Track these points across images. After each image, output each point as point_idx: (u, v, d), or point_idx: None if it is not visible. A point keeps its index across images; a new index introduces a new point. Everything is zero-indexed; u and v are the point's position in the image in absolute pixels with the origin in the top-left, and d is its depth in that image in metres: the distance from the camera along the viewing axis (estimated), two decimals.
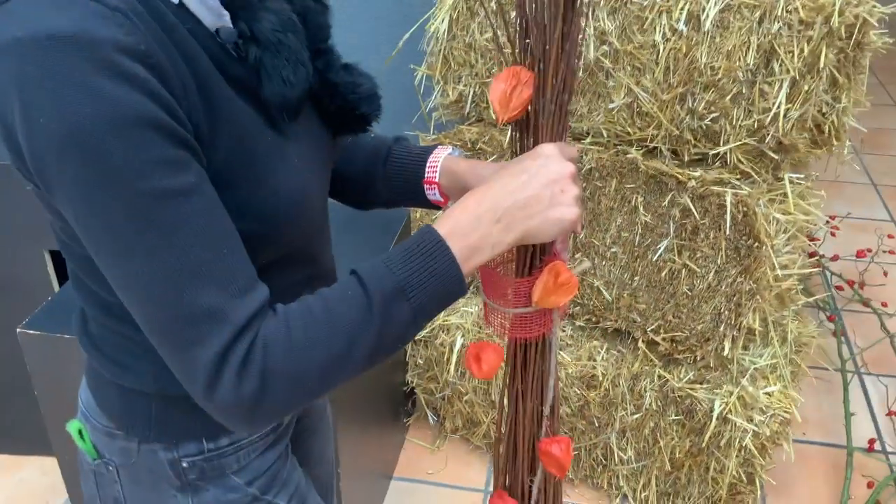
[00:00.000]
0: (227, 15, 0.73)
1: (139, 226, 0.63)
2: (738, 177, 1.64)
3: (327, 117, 0.87)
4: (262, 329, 0.68)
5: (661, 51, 1.59)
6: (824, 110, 1.59)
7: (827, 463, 2.16)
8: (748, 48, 1.52)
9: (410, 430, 2.28)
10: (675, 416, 1.82)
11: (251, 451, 0.92)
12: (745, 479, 1.80)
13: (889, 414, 2.28)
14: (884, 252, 2.87)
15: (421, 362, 2.11)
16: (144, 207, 0.63)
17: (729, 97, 1.55)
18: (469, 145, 1.87)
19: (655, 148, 1.70)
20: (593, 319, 1.90)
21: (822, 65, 1.49)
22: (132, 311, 0.69)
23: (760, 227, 1.57)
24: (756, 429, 1.73)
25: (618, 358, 1.88)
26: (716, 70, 1.54)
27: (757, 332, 1.74)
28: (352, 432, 1.77)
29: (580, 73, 1.70)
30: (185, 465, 0.89)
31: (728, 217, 1.59)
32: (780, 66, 1.50)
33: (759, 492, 1.83)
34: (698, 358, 1.77)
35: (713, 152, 1.63)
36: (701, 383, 1.79)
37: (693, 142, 1.64)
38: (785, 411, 1.77)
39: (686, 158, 1.68)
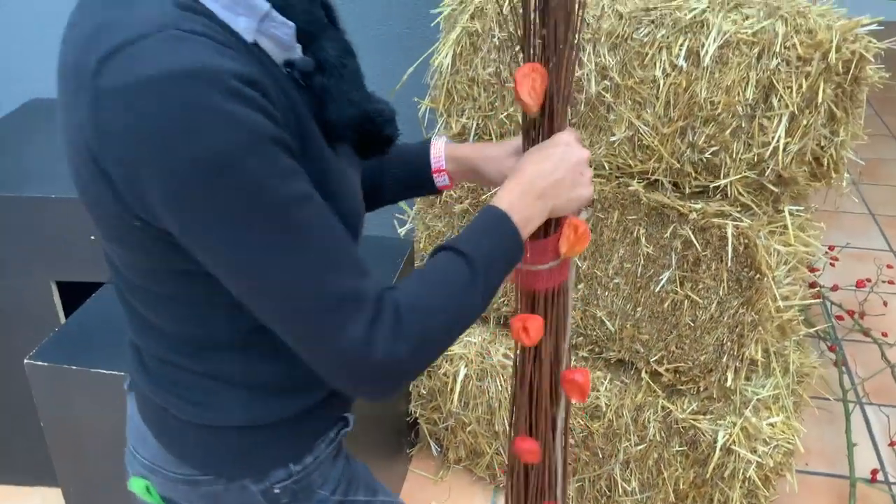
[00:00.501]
0: (298, 48, 0.78)
1: (280, 231, 0.69)
2: (739, 209, 1.66)
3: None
4: (395, 299, 0.76)
5: (661, 85, 1.61)
6: (823, 144, 1.62)
7: (830, 493, 2.16)
8: (747, 83, 1.54)
9: (413, 461, 2.28)
10: (679, 447, 1.83)
11: (327, 462, 0.95)
12: None
13: (891, 444, 2.28)
14: (883, 282, 2.88)
15: (424, 392, 2.12)
16: (284, 213, 0.69)
17: (729, 131, 1.58)
18: None
19: (657, 180, 1.72)
20: (596, 350, 1.92)
21: (820, 100, 1.52)
22: (269, 317, 0.73)
23: (762, 259, 1.59)
24: (760, 460, 1.73)
25: (621, 388, 1.89)
26: (715, 105, 1.57)
27: (759, 363, 1.75)
28: None
29: (582, 108, 1.73)
30: (276, 491, 0.90)
31: (729, 249, 1.61)
32: (779, 100, 1.53)
33: None
34: (701, 389, 1.78)
35: (714, 185, 1.65)
36: (704, 414, 1.80)
37: (694, 174, 1.66)
38: (788, 442, 1.77)
39: (687, 191, 1.70)
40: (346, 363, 0.73)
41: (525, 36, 0.88)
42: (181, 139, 0.64)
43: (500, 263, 0.84)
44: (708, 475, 1.79)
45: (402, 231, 2.18)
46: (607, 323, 1.84)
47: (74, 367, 1.58)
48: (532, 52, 0.89)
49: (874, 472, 2.18)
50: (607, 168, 1.76)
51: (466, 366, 2.00)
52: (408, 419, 2.21)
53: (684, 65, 1.58)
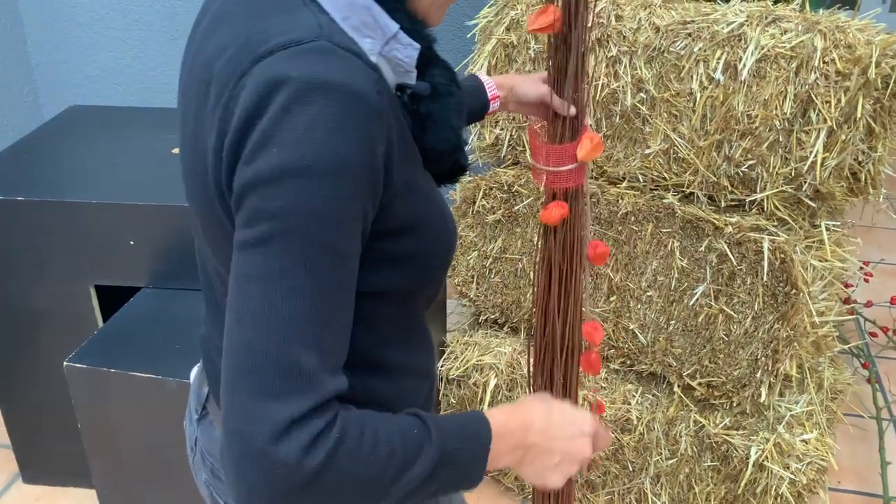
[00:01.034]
0: (415, 72, 0.78)
1: (296, 266, 0.65)
2: (775, 223, 1.65)
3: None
4: (341, 416, 0.68)
5: (697, 98, 1.61)
6: (860, 159, 1.61)
7: None
8: (785, 97, 1.54)
9: None
10: (711, 462, 1.81)
11: None
12: None
13: None
14: None
15: (454, 402, 2.12)
16: (316, 251, 0.66)
17: (766, 145, 1.57)
18: (505, 187, 1.90)
19: (692, 193, 1.72)
20: (628, 362, 1.91)
21: (858, 115, 1.51)
22: (228, 334, 0.68)
23: (798, 274, 1.58)
24: (792, 476, 1.72)
25: (653, 402, 1.88)
26: (753, 118, 1.57)
27: (793, 379, 1.74)
28: None
29: (617, 120, 1.73)
30: None
31: (765, 263, 1.60)
32: (818, 115, 1.52)
33: None
34: (734, 404, 1.77)
35: (750, 199, 1.64)
36: (737, 429, 1.78)
37: (730, 188, 1.66)
38: (821, 459, 1.75)
39: (723, 204, 1.70)
40: (250, 434, 0.65)
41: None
42: (307, 141, 0.64)
43: (454, 473, 0.76)
44: (739, 491, 1.77)
45: None
46: (640, 336, 1.84)
47: (113, 370, 1.60)
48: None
49: None
50: (641, 180, 1.76)
51: (496, 376, 2.00)
52: None
53: (721, 78, 1.58)
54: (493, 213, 1.94)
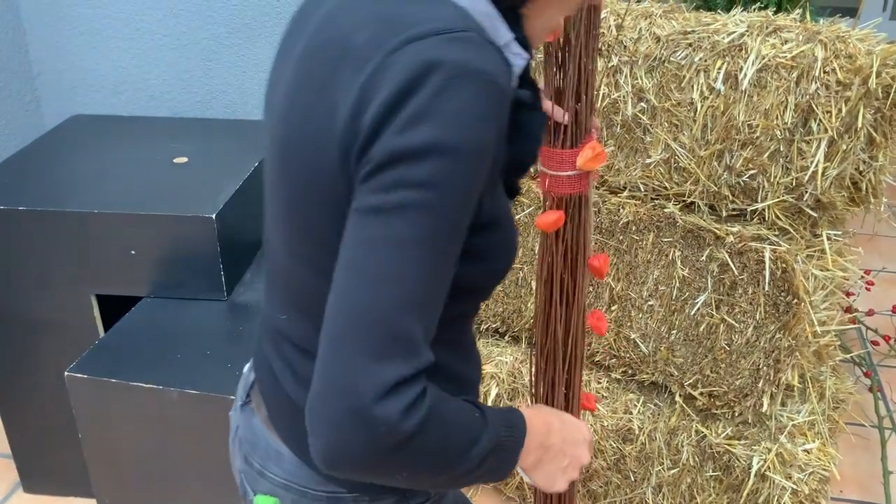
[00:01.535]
0: (517, 82, 0.80)
1: (425, 238, 0.68)
2: (777, 233, 1.65)
3: None
4: (429, 387, 0.72)
5: (698, 108, 1.62)
6: (861, 168, 1.61)
7: None
8: (786, 107, 1.54)
9: None
10: (713, 472, 1.81)
11: None
12: None
13: None
14: None
15: None
16: (444, 228, 0.69)
17: (767, 155, 1.57)
18: None
19: (693, 203, 1.72)
20: (629, 372, 1.91)
21: (859, 124, 1.51)
22: (343, 292, 0.70)
23: (799, 284, 1.58)
24: (795, 486, 1.71)
25: (654, 412, 1.88)
26: (753, 128, 1.57)
27: (795, 388, 1.73)
28: None
29: (618, 129, 1.73)
30: None
31: (767, 273, 1.60)
32: (818, 125, 1.52)
33: None
34: (736, 413, 1.77)
35: (751, 208, 1.64)
36: (739, 439, 1.78)
37: (731, 198, 1.66)
38: (823, 469, 1.75)
39: (724, 214, 1.70)
40: (351, 394, 0.67)
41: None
42: (457, 123, 0.67)
43: (497, 461, 0.80)
44: (742, 501, 1.77)
45: None
46: (641, 345, 1.84)
47: (114, 380, 1.60)
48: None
49: None
50: (643, 190, 1.76)
51: (498, 385, 2.00)
52: None
53: (722, 88, 1.58)
54: (524, 210, 1.94)
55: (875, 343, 2.78)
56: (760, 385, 1.70)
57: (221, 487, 1.66)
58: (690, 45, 1.62)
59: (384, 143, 0.68)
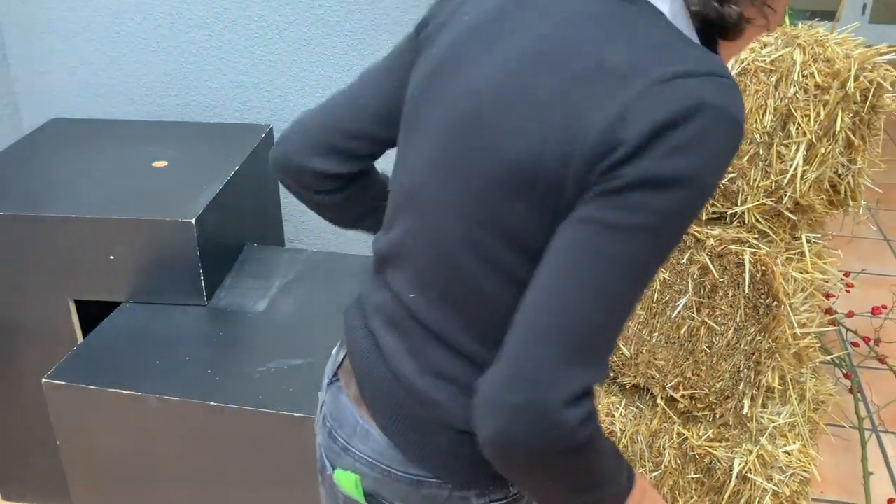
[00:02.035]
0: None
1: (647, 262, 0.72)
2: (756, 236, 1.66)
3: None
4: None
5: None
6: (840, 171, 1.62)
7: None
8: (765, 111, 1.55)
9: None
10: (695, 474, 1.81)
11: None
12: None
13: None
14: None
15: None
16: (661, 248, 0.73)
17: (746, 158, 1.58)
18: None
19: None
20: (611, 375, 1.91)
21: (838, 128, 1.52)
22: (550, 296, 0.72)
23: (779, 286, 1.58)
24: (776, 488, 1.72)
25: (636, 414, 1.88)
26: None
27: (776, 390, 1.74)
28: None
29: None
30: None
31: (747, 276, 1.61)
32: (797, 128, 1.53)
33: None
34: (717, 416, 1.77)
35: (731, 211, 1.65)
36: (720, 441, 1.79)
37: (711, 201, 1.66)
38: (804, 470, 1.76)
39: (704, 217, 1.71)
40: (546, 388, 0.70)
41: None
42: (710, 164, 0.72)
43: (609, 499, 0.83)
44: (723, 503, 1.77)
45: None
46: (623, 348, 1.84)
47: (92, 387, 1.59)
48: None
49: (890, 501, 2.16)
50: None
51: None
52: None
53: None
54: None
55: (855, 345, 2.80)
56: (741, 387, 1.71)
57: (201, 494, 1.64)
58: None
59: (642, 164, 0.70)
